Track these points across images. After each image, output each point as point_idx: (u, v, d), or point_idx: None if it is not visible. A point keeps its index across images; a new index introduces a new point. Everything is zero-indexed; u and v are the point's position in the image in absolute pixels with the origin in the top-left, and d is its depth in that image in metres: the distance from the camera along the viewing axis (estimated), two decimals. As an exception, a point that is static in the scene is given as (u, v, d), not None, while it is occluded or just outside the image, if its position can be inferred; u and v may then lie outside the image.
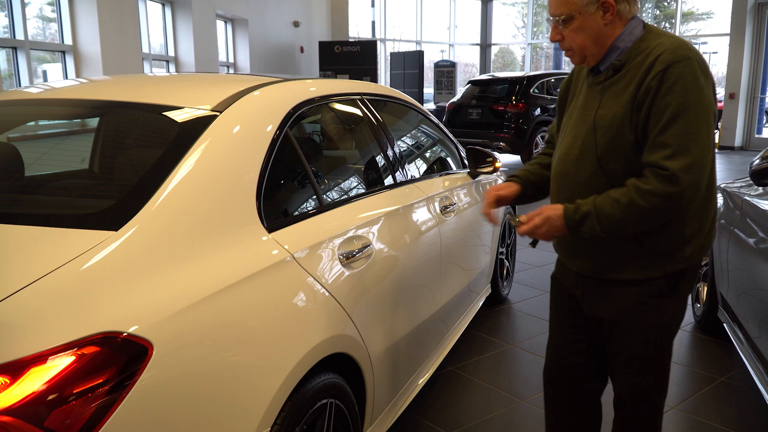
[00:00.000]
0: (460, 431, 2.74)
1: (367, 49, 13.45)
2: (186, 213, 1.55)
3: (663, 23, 18.44)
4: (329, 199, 2.17)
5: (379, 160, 2.69)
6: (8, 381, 1.11)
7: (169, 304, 1.35)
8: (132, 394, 1.21)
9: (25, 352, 1.14)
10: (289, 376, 1.59)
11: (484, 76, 12.73)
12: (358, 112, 2.70)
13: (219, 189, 1.67)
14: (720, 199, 3.53)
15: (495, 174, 3.81)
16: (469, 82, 12.20)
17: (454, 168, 3.54)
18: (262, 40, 12.05)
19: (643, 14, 18.33)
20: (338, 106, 2.64)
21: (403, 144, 3.15)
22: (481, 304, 3.80)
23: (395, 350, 2.34)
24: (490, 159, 3.50)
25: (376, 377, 2.15)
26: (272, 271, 1.69)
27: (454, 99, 12.06)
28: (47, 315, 1.21)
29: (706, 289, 3.79)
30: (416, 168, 3.15)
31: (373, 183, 2.63)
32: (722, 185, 3.60)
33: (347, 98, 2.64)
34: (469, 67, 20.05)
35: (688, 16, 17.52)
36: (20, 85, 6.90)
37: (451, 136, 3.69)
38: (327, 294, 1.87)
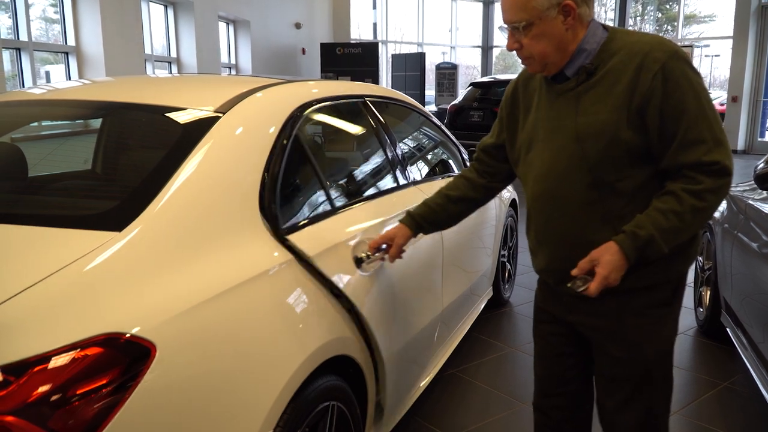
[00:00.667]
0: (461, 434, 2.74)
1: (368, 51, 13.45)
2: (189, 214, 1.55)
3: (665, 26, 18.45)
4: (333, 202, 2.17)
5: (382, 162, 2.69)
6: (12, 381, 1.11)
7: (172, 305, 1.35)
8: (135, 395, 1.21)
9: (28, 353, 1.14)
10: (292, 379, 1.59)
11: (485, 79, 12.74)
12: (360, 114, 2.70)
13: (222, 190, 1.67)
14: (723, 203, 3.53)
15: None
16: (470, 85, 12.20)
17: (456, 170, 3.54)
18: (264, 42, 12.06)
19: (646, 17, 18.34)
20: (340, 108, 2.64)
21: (405, 146, 3.15)
22: (482, 306, 3.80)
23: (397, 353, 2.34)
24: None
25: (379, 379, 2.14)
26: (275, 273, 1.69)
27: (456, 101, 12.05)
28: (50, 316, 1.21)
29: (709, 293, 3.78)
30: (419, 170, 3.15)
31: (376, 185, 2.63)
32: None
33: (349, 100, 2.64)
34: (470, 70, 20.05)
35: (690, 19, 17.51)
36: (23, 86, 6.92)
37: (453, 138, 3.68)
38: (330, 296, 1.87)
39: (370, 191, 2.56)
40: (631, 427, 1.81)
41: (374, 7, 16.80)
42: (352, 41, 14.73)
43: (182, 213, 1.54)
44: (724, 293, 3.42)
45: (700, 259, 4.02)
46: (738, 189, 3.48)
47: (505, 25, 1.68)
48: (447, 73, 15.75)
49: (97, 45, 7.50)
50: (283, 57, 12.82)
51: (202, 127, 1.76)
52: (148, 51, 8.86)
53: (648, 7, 18.10)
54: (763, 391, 2.65)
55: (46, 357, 1.14)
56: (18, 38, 6.86)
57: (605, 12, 18.00)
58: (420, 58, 14.77)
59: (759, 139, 14.28)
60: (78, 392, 1.15)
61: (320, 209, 2.07)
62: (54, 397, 1.13)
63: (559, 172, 1.69)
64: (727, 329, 3.42)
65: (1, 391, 1.10)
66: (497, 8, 19.30)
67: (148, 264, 1.40)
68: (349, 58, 13.14)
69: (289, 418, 1.58)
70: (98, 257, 1.34)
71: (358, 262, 1.92)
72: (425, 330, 2.63)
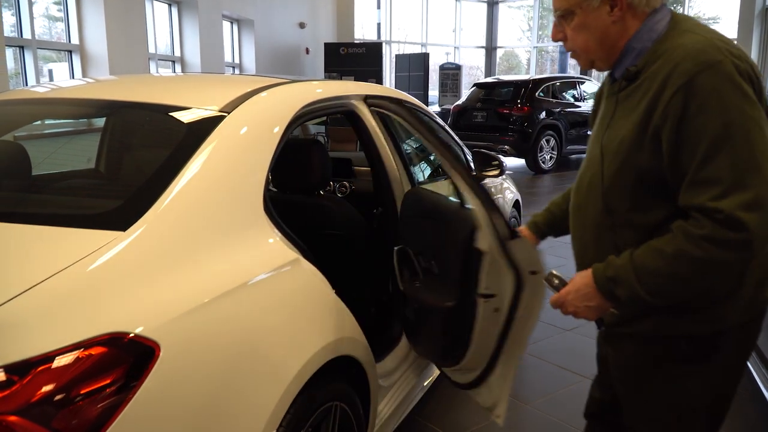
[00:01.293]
0: (464, 435, 2.74)
1: (372, 51, 13.44)
2: (194, 213, 1.55)
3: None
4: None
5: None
6: (15, 381, 1.11)
7: (176, 305, 1.35)
8: (139, 395, 1.21)
9: (32, 353, 1.14)
10: (295, 379, 1.58)
11: (489, 79, 12.72)
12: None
13: (227, 190, 1.66)
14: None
15: (501, 177, 3.81)
16: (474, 85, 12.19)
17: (459, 171, 3.53)
18: (268, 41, 12.06)
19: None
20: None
21: (408, 146, 3.15)
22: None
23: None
24: (496, 162, 3.49)
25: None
26: (280, 272, 1.69)
27: (459, 102, 12.05)
28: (54, 315, 1.21)
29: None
30: (422, 171, 3.15)
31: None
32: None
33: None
34: (474, 70, 20.04)
35: (694, 21, 17.47)
36: (27, 84, 6.92)
37: (456, 138, 3.68)
38: (334, 296, 1.87)
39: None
40: None
41: (378, 7, 16.80)
42: (355, 41, 14.72)
43: (187, 212, 1.54)
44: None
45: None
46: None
47: (555, 13, 1.49)
48: (450, 74, 15.73)
49: (101, 43, 7.50)
50: (286, 57, 12.82)
51: (207, 126, 1.76)
52: (151, 50, 8.87)
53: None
54: (764, 391, 2.63)
55: (49, 356, 1.14)
56: (21, 36, 6.86)
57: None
58: (424, 58, 14.75)
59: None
60: (82, 392, 1.15)
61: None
62: (57, 397, 1.13)
63: (583, 190, 1.51)
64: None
65: (5, 390, 1.10)
66: (501, 9, 19.29)
67: (152, 264, 1.40)
68: (353, 58, 13.13)
69: (292, 418, 1.58)
70: (102, 257, 1.33)
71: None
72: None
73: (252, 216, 1.71)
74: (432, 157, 3.56)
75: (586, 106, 11.47)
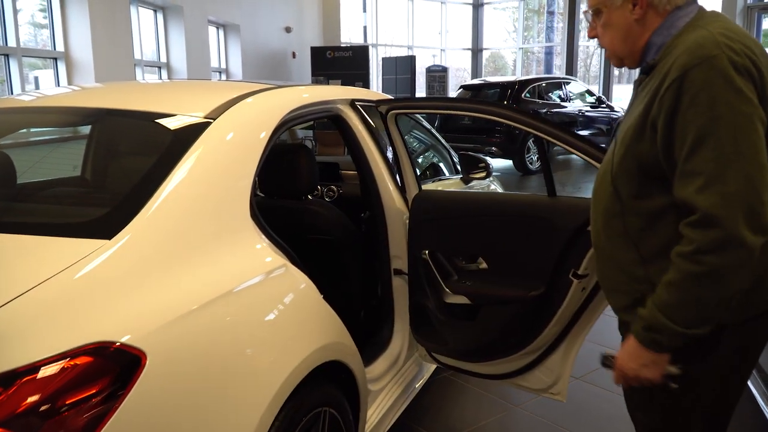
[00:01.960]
0: (454, 437, 2.74)
1: (358, 55, 13.46)
2: (180, 221, 1.55)
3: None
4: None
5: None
6: (1, 392, 1.10)
7: (162, 313, 1.35)
8: (125, 404, 1.20)
9: (17, 363, 1.13)
10: (284, 385, 1.58)
11: (476, 81, 12.76)
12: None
13: (213, 196, 1.66)
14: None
15: (488, 179, 3.82)
16: (461, 87, 12.24)
17: (447, 174, 3.54)
18: (254, 46, 12.04)
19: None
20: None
21: (415, 150, 3.15)
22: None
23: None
24: (483, 164, 3.50)
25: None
26: (267, 278, 1.69)
27: (447, 104, 12.06)
28: (39, 325, 1.20)
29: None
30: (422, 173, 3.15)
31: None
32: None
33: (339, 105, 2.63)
34: (460, 72, 20.10)
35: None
36: (12, 92, 6.88)
37: (443, 141, 3.69)
38: (322, 301, 1.87)
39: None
40: None
41: (364, 11, 16.83)
42: (342, 45, 14.73)
43: (173, 220, 1.53)
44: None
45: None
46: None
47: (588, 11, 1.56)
48: (437, 76, 15.77)
49: (87, 50, 7.46)
50: (273, 61, 12.81)
51: (193, 133, 1.76)
52: (137, 56, 8.83)
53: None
54: (759, 399, 2.65)
55: (35, 367, 1.13)
56: (6, 44, 6.82)
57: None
58: (410, 61, 14.78)
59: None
60: (68, 402, 1.14)
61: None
62: (43, 408, 1.12)
63: (599, 176, 1.56)
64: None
65: (-10, 401, 1.09)
66: (486, 11, 19.37)
67: (138, 272, 1.39)
68: (340, 62, 13.13)
69: (281, 424, 1.57)
70: (88, 265, 1.33)
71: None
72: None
73: (239, 222, 1.71)
74: (436, 159, 3.57)
75: (572, 106, 11.55)
